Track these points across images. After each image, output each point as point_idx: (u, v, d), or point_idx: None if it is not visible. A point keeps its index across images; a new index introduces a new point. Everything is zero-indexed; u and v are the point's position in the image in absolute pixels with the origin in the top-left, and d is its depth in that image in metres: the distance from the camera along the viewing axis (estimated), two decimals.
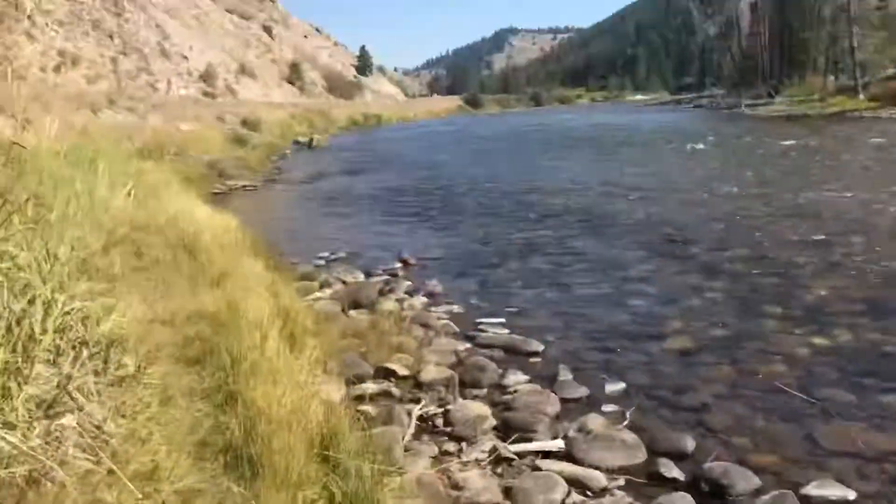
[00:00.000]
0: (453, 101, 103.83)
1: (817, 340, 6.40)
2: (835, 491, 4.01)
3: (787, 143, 25.84)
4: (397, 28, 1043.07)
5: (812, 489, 4.03)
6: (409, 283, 8.90)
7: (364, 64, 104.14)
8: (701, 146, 26.04)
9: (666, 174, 18.36)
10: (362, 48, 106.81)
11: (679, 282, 8.57)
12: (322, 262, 10.18)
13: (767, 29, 66.06)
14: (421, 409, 5.09)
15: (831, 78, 54.87)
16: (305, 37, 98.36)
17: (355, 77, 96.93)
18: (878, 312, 7.03)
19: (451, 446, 4.65)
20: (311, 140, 35.85)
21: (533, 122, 57.37)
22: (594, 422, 4.75)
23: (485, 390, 5.57)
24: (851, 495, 3.99)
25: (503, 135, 39.97)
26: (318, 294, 8.05)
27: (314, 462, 3.45)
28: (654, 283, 8.51)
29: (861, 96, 47.43)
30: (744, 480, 4.09)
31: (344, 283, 8.74)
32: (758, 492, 4.03)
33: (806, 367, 5.88)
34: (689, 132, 34.38)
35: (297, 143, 35.86)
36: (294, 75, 74.31)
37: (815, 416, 5.01)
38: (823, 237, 10.31)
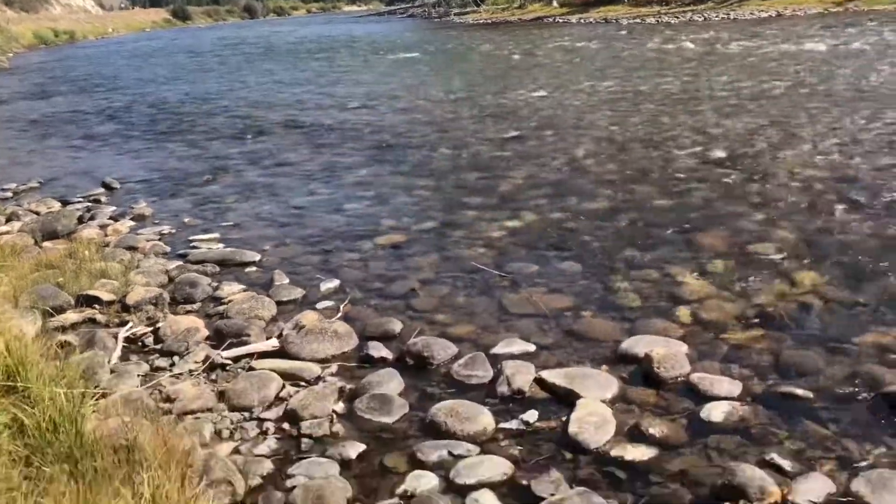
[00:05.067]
0: (158, 14, 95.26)
1: (510, 223, 7.08)
2: (518, 347, 4.55)
3: (491, 48, 27.42)
4: None
5: (500, 348, 4.55)
6: (114, 207, 8.34)
7: None
8: (413, 55, 26.77)
9: (381, 83, 18.69)
10: None
11: (392, 183, 8.93)
12: (8, 193, 9.14)
13: None
14: (128, 330, 4.88)
15: None
16: None
17: None
18: (560, 195, 7.91)
19: (162, 362, 4.55)
20: None
21: (247, 35, 54.83)
22: (308, 318, 4.89)
23: (198, 304, 5.47)
24: (532, 348, 4.56)
25: (214, 49, 37.79)
26: (3, 228, 7.24)
27: None
28: (369, 187, 8.78)
29: (554, 3, 51.40)
30: (443, 350, 4.50)
31: (36, 213, 7.94)
32: (455, 357, 4.46)
33: (500, 247, 6.49)
34: (402, 42, 35.07)
35: None
36: None
37: (506, 287, 5.60)
38: (519, 133, 11.26)
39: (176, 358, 4.57)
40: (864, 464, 3.29)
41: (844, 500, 3.07)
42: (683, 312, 4.97)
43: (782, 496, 3.09)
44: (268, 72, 23.54)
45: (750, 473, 3.15)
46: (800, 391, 3.87)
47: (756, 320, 4.78)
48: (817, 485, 3.14)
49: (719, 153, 9.13)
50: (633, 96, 14.08)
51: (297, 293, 5.61)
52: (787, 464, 3.30)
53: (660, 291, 5.37)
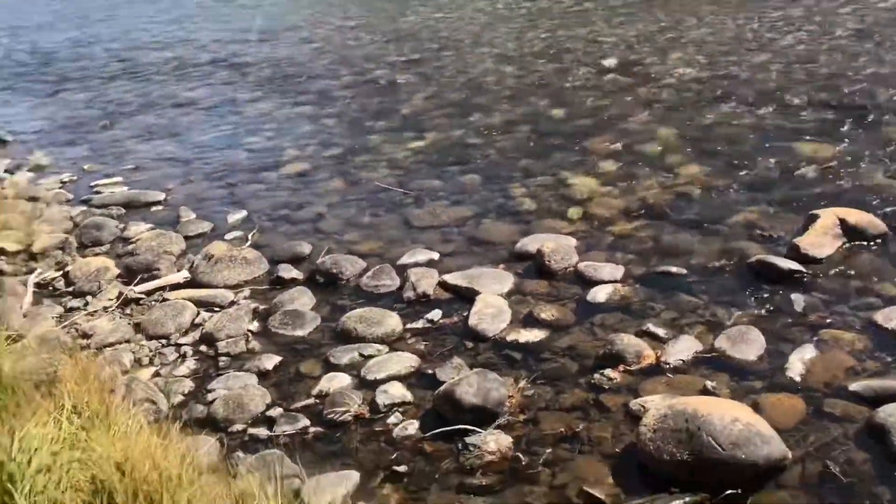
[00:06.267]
0: None
1: (413, 144, 7.26)
2: (423, 256, 4.82)
3: None
4: None
5: (405, 259, 4.80)
6: (9, 161, 8.11)
7: None
8: None
9: (277, 16, 18.21)
10: None
11: (294, 114, 8.94)
12: None
13: None
14: (37, 276, 4.93)
15: None
16: None
17: None
18: (461, 114, 8.11)
19: (75, 303, 4.64)
20: None
21: None
22: (217, 248, 5.02)
23: (106, 246, 5.52)
24: (435, 256, 4.83)
25: None
26: None
27: None
28: (272, 120, 8.77)
29: None
30: (351, 265, 4.72)
31: None
32: (364, 271, 4.69)
33: (404, 167, 6.69)
34: None
35: None
36: None
37: (410, 204, 5.82)
38: (420, 56, 11.31)
39: (89, 297, 4.67)
40: (728, 324, 3.71)
41: (709, 355, 3.48)
42: (574, 211, 5.32)
43: (656, 358, 3.48)
44: (156, 13, 22.56)
45: (627, 341, 3.53)
46: (674, 269, 4.27)
47: (639, 212, 5.17)
48: (686, 345, 3.54)
49: (611, 61, 9.44)
50: (530, 12, 14.22)
51: (205, 227, 5.71)
52: (661, 331, 3.70)
53: (553, 195, 5.69)
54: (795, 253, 4.18)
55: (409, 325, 4.04)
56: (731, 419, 2.75)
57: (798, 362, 3.31)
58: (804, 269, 4.04)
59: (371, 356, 3.76)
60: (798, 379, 3.23)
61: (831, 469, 2.74)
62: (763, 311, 3.79)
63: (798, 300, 3.82)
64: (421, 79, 9.89)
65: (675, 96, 7.74)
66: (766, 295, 3.93)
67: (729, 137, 6.37)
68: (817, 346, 3.43)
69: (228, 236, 5.49)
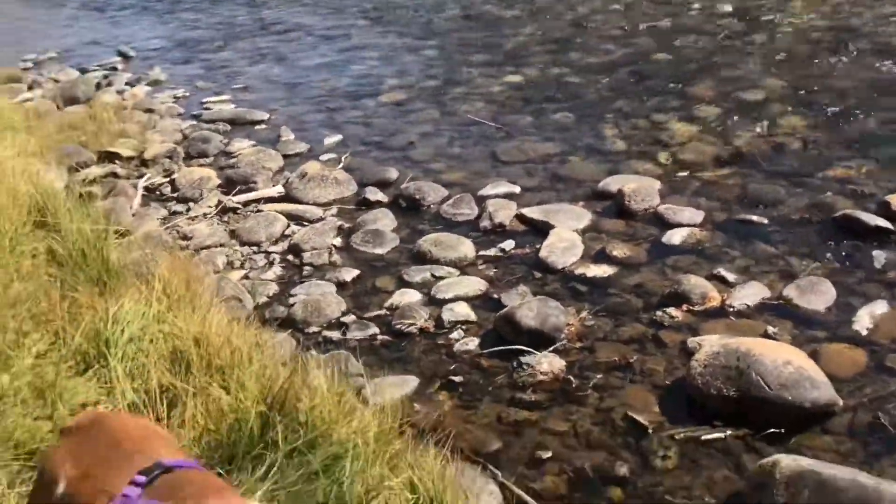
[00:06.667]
0: None
1: (510, 79, 7.27)
2: (504, 189, 4.91)
3: None
4: None
5: (486, 190, 4.90)
6: (130, 74, 8.62)
7: None
8: None
9: None
10: None
11: (398, 44, 9.06)
12: (29, 63, 9.42)
13: None
14: (146, 180, 5.32)
15: None
16: None
17: None
18: (562, 51, 8.02)
19: (179, 207, 5.02)
20: None
21: None
22: (311, 168, 5.26)
23: (210, 158, 5.87)
24: (517, 189, 4.91)
25: None
26: (26, 95, 7.61)
27: (31, 227, 3.68)
28: (375, 49, 8.92)
29: None
30: (434, 192, 4.87)
31: (56, 81, 8.28)
32: (445, 199, 4.83)
33: (499, 101, 6.73)
34: None
35: None
36: None
37: (499, 138, 5.89)
38: None
39: (191, 203, 5.03)
40: (801, 275, 3.67)
41: (775, 302, 3.47)
42: (664, 154, 5.27)
43: (721, 300, 3.50)
44: None
45: (694, 281, 3.55)
46: (755, 217, 4.21)
47: (731, 160, 5.07)
48: (754, 291, 3.54)
49: (726, 6, 9.06)
50: None
51: (302, 147, 5.98)
52: (731, 276, 3.70)
53: (645, 137, 5.64)
54: (885, 210, 4.05)
55: (481, 253, 4.18)
56: (783, 361, 2.78)
57: (867, 316, 3.27)
58: (892, 227, 3.91)
59: (442, 277, 3.94)
60: (864, 332, 3.20)
61: (881, 420, 2.73)
62: (840, 265, 3.73)
63: (879, 257, 3.72)
64: (526, 14, 9.79)
65: (789, 45, 7.40)
66: (846, 250, 3.84)
67: (838, 91, 6.08)
68: (891, 302, 3.36)
69: (323, 157, 5.72)
